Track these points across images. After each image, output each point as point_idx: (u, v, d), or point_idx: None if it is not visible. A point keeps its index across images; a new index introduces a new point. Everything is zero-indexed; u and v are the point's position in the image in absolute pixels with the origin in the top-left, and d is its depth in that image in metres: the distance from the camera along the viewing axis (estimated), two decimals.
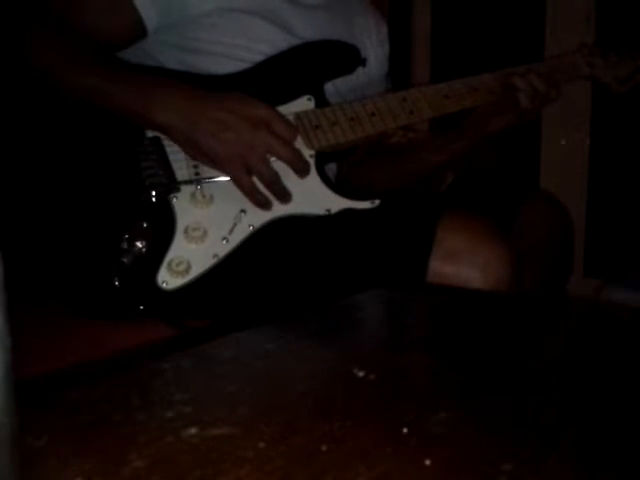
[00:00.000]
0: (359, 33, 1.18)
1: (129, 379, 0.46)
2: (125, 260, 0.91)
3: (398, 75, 1.28)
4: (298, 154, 0.95)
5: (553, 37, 2.05)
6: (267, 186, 0.94)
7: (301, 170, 0.96)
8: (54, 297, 0.98)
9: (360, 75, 1.15)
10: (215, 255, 0.93)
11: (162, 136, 0.96)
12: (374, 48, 1.22)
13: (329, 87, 1.06)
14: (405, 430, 0.38)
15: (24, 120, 1.00)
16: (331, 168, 1.14)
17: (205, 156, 0.93)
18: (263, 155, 0.93)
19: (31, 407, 0.39)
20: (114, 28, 1.02)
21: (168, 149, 0.96)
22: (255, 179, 0.93)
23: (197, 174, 0.95)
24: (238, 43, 1.03)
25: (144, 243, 0.92)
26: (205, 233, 0.93)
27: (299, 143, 0.97)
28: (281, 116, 0.95)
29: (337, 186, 1.01)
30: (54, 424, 0.39)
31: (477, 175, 1.32)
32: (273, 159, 0.94)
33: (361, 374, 0.46)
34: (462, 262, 0.89)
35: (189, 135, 0.92)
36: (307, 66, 1.05)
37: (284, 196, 0.95)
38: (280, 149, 0.93)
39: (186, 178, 0.95)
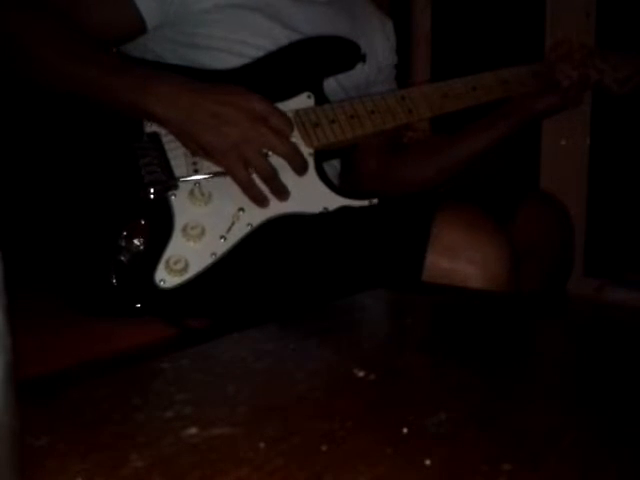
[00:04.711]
0: (362, 29, 1.18)
1: (129, 379, 0.46)
2: (123, 258, 0.91)
3: (398, 75, 1.28)
4: (295, 149, 0.95)
5: (553, 36, 2.04)
6: (264, 180, 0.93)
7: (298, 167, 0.95)
8: (52, 295, 0.97)
9: (366, 71, 1.14)
10: (213, 254, 0.92)
11: (161, 132, 0.96)
12: (380, 44, 1.22)
13: (331, 83, 1.06)
14: (405, 430, 0.38)
15: (22, 117, 1.00)
16: (333, 165, 1.13)
17: (202, 149, 0.93)
18: (260, 148, 0.92)
19: (31, 407, 0.39)
20: (114, 23, 1.02)
21: (167, 146, 0.96)
22: (253, 175, 0.93)
23: (196, 171, 0.95)
24: (238, 38, 1.03)
25: (142, 241, 0.92)
26: (203, 231, 0.93)
27: (298, 141, 0.97)
28: (278, 110, 0.95)
29: (335, 185, 1.01)
30: (54, 424, 0.39)
31: (471, 180, 1.32)
32: (271, 154, 0.94)
33: (361, 374, 0.46)
34: (460, 257, 0.89)
35: (186, 128, 0.92)
36: (306, 62, 1.05)
37: (282, 192, 0.94)
38: (276, 143, 0.93)
39: (185, 175, 0.95)
